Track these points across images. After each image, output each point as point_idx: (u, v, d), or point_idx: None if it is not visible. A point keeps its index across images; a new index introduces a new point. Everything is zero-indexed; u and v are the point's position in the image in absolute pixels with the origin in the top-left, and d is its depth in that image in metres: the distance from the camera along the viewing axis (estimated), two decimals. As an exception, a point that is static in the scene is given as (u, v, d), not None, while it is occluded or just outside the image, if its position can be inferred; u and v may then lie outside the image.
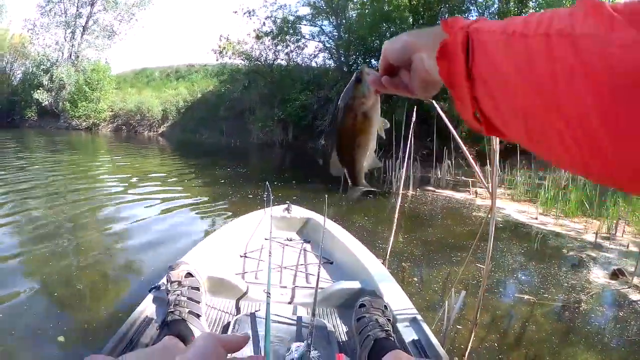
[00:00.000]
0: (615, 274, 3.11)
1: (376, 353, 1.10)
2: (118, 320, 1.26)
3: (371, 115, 0.64)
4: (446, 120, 2.04)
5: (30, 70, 24.72)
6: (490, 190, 1.83)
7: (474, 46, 0.38)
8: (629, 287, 2.86)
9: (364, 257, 1.93)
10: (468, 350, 1.89)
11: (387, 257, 3.24)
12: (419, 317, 1.39)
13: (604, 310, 2.64)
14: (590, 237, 4.24)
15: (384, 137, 0.67)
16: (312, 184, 7.95)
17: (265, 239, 2.28)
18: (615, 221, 4.55)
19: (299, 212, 2.64)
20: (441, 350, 1.22)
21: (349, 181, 0.74)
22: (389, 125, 0.69)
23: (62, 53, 24.74)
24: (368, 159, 0.70)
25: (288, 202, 2.73)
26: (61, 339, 2.06)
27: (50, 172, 7.86)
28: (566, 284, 3.04)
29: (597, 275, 3.19)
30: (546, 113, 0.31)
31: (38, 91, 23.15)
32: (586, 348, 2.20)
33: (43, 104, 23.29)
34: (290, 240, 2.43)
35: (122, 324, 1.25)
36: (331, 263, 2.09)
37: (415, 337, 1.30)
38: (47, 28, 24.71)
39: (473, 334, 1.86)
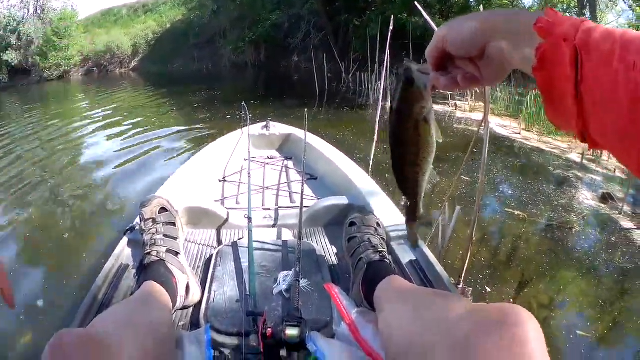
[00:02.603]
0: (605, 198, 3.07)
1: (371, 278, 0.98)
2: (97, 270, 1.16)
3: (430, 119, 0.55)
4: (432, 25, 1.79)
5: (-3, 35, 23.62)
6: (485, 99, 1.70)
7: (583, 67, 0.34)
8: (619, 214, 2.81)
9: (349, 170, 1.81)
10: (464, 270, 1.84)
11: (370, 169, 3.20)
12: None
13: (596, 234, 2.60)
14: (575, 157, 4.16)
15: (441, 141, 0.58)
16: (289, 100, 7.78)
17: (245, 160, 2.15)
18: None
19: (279, 129, 2.50)
20: (442, 271, 1.11)
21: (408, 214, 0.68)
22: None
23: (28, 10, 23.43)
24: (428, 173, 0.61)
25: (268, 118, 2.57)
26: (39, 303, 1.96)
27: (25, 125, 7.44)
28: (555, 202, 3.00)
29: (586, 197, 3.15)
30: None
31: (7, 52, 22.09)
32: (577, 270, 2.18)
33: (13, 64, 22.33)
34: (271, 158, 2.31)
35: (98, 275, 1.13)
36: (315, 179, 1.98)
37: (413, 257, 1.20)
38: (9, -11, 23.10)
39: (469, 252, 1.79)
